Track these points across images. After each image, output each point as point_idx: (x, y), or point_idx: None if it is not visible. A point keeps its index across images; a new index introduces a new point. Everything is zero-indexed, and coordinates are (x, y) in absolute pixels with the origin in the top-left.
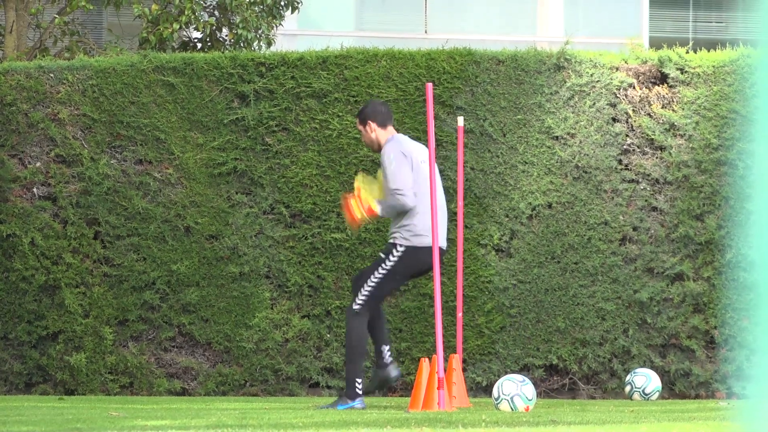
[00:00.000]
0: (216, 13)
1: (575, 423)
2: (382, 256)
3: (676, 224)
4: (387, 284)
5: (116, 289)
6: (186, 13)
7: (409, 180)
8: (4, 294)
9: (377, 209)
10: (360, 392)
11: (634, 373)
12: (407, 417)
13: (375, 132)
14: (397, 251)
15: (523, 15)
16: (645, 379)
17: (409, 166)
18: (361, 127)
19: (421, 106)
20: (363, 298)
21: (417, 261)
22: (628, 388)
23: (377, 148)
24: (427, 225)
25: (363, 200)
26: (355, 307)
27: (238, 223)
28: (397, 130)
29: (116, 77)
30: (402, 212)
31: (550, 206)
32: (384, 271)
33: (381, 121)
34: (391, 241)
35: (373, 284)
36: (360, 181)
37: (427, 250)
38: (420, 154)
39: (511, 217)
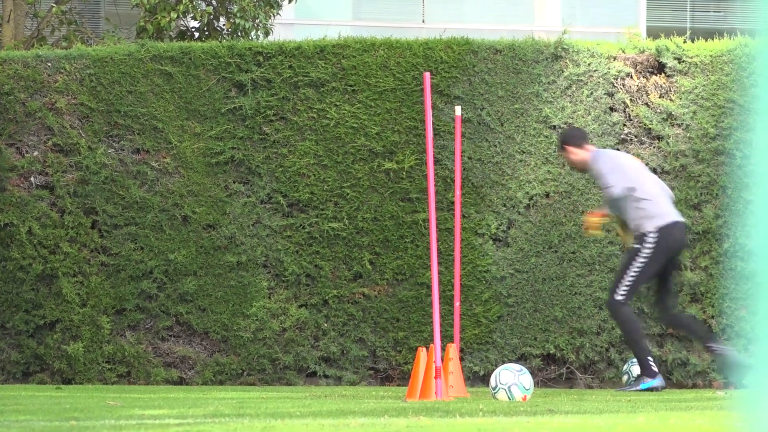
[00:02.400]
0: (213, 2)
1: (572, 412)
2: (636, 246)
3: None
4: (647, 270)
5: (113, 278)
6: (183, 2)
7: (611, 177)
8: (1, 283)
9: (602, 209)
10: (656, 369)
11: (631, 362)
12: (404, 406)
13: (575, 154)
14: (650, 236)
15: (521, 4)
16: None
17: (610, 166)
18: (563, 155)
19: (418, 96)
20: (626, 287)
21: (670, 238)
22: (625, 378)
23: (582, 168)
24: (661, 207)
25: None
26: (618, 297)
27: (236, 212)
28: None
29: (114, 66)
30: (631, 206)
31: (547, 195)
32: (643, 259)
33: (577, 143)
34: (640, 232)
35: (634, 273)
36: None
37: (676, 225)
38: (625, 156)
39: (508, 206)
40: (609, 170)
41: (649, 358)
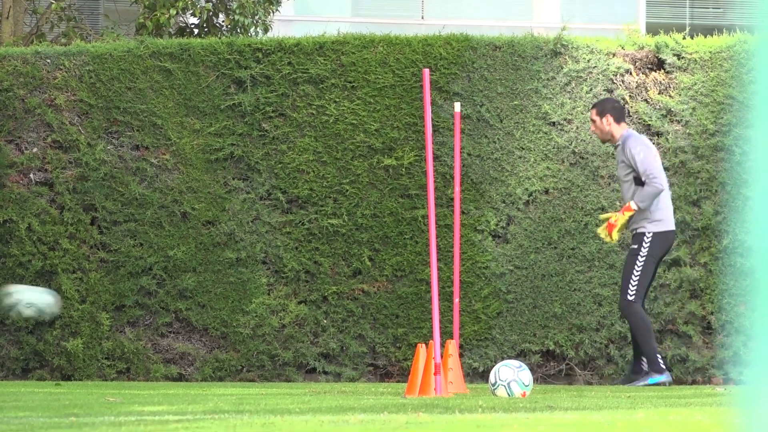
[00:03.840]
0: None
1: (572, 409)
2: (635, 247)
3: (672, 210)
4: (648, 268)
5: (113, 274)
6: None
7: (657, 165)
8: (0, 280)
9: (632, 205)
10: (664, 366)
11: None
12: (404, 403)
13: (611, 125)
14: (647, 238)
15: (520, 1)
16: None
17: (652, 156)
18: (597, 118)
19: (417, 92)
20: (634, 287)
21: (664, 243)
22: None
23: (607, 139)
24: (665, 212)
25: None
26: (630, 297)
27: (235, 208)
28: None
29: (113, 63)
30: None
31: (546, 192)
32: (642, 258)
33: (617, 117)
34: (640, 230)
35: (638, 273)
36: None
37: (671, 234)
38: (652, 146)
39: (507, 202)
40: (653, 160)
41: (658, 355)
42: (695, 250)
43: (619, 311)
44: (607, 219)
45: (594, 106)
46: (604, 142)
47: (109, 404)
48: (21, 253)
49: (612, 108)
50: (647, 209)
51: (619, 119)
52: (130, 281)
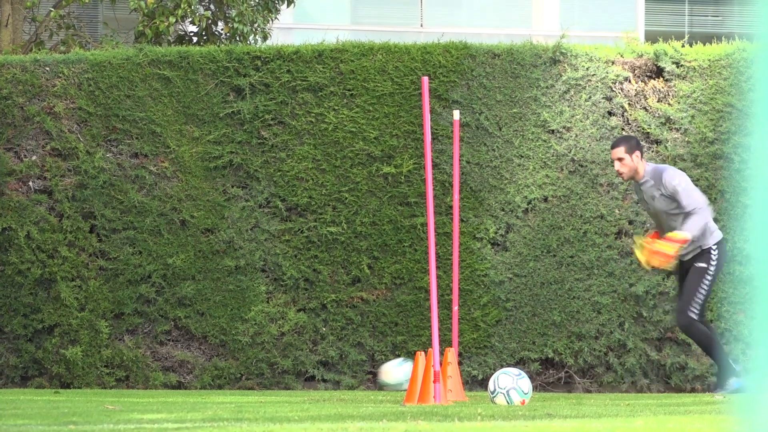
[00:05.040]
0: (212, 6)
1: (571, 417)
2: (703, 265)
3: None
4: (712, 284)
5: (112, 282)
6: (182, 6)
7: (700, 195)
8: None
9: (684, 235)
10: (739, 368)
11: None
12: (403, 410)
13: (635, 163)
14: (714, 253)
15: (519, 8)
16: None
17: (690, 182)
18: (626, 155)
19: (416, 100)
20: (697, 304)
21: (726, 253)
22: None
23: (632, 176)
24: (713, 223)
25: (662, 240)
26: (691, 314)
27: (234, 216)
28: (392, 126)
29: (112, 71)
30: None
31: (545, 200)
32: (710, 276)
33: (642, 152)
34: (705, 247)
35: (704, 290)
36: (639, 242)
37: (725, 240)
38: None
39: (506, 210)
40: (693, 189)
41: (731, 360)
42: None
43: (679, 328)
44: (646, 244)
45: (619, 145)
46: (628, 179)
47: (108, 412)
48: (20, 261)
49: (638, 144)
50: (667, 225)
51: (643, 155)
52: (129, 289)
